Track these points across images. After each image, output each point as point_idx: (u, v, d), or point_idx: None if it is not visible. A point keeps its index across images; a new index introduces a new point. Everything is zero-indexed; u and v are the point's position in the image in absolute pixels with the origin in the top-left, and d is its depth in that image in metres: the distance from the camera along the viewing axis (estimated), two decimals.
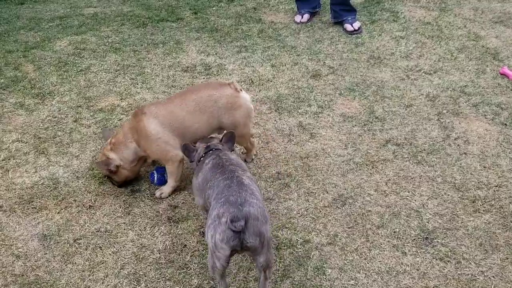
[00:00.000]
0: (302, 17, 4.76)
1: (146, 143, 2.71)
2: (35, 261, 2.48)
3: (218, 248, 1.96)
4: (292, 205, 2.77)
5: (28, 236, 2.61)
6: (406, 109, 3.53)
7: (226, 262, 2.01)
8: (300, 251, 2.49)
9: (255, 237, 1.96)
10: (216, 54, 4.30)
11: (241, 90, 2.79)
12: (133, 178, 2.92)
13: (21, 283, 2.37)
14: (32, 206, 2.80)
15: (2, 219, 2.72)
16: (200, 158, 2.41)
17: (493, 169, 3.00)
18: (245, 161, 3.03)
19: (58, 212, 2.76)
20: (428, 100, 3.62)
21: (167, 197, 2.84)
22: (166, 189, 2.86)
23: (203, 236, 2.59)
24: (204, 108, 2.71)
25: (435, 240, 2.56)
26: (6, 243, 2.58)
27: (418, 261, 2.46)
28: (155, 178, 2.93)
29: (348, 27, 4.53)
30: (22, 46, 4.51)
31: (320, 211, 2.72)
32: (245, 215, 1.93)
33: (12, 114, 3.57)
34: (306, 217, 2.69)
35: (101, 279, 2.39)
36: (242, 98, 2.78)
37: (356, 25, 4.53)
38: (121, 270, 2.42)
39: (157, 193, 2.85)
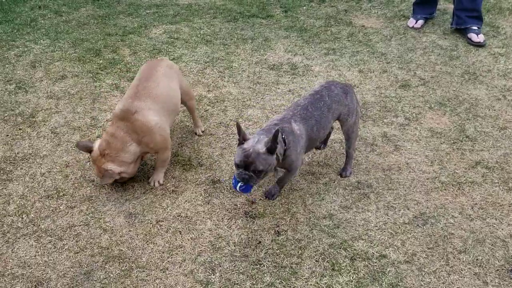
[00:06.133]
0: (416, 22, 4.62)
1: (150, 137, 2.75)
2: (120, 237, 2.63)
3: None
4: (370, 217, 2.73)
5: (116, 212, 2.77)
6: (500, 131, 3.34)
7: None
8: (376, 266, 2.45)
9: None
10: (303, 54, 4.30)
11: None
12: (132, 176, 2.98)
13: (106, 256, 2.52)
14: (120, 184, 2.97)
15: (93, 193, 2.91)
16: (283, 139, 2.52)
17: None
18: (196, 133, 3.39)
19: (144, 193, 2.90)
20: None
21: (162, 184, 2.96)
22: (158, 177, 2.96)
23: (278, 235, 2.62)
24: (171, 76, 2.98)
25: None
26: (96, 216, 2.76)
27: None
28: (238, 184, 2.53)
29: (474, 37, 4.28)
30: (120, 30, 4.78)
31: (400, 227, 2.66)
32: None
33: (108, 95, 3.80)
34: (384, 231, 2.64)
35: (179, 262, 2.49)
36: None
37: (482, 37, 4.28)
38: (198, 257, 2.51)
39: (152, 183, 2.95)
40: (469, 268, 2.45)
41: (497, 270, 2.44)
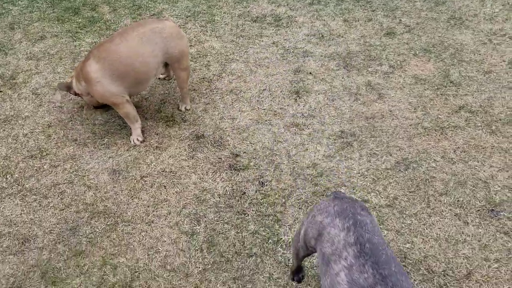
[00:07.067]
0: None
1: (89, 86, 2.77)
2: (105, 193, 2.64)
3: None
4: (353, 164, 2.74)
5: (99, 170, 2.78)
6: (484, 75, 3.32)
7: None
8: None
9: None
10: (287, 5, 4.20)
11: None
12: (101, 105, 3.08)
13: (91, 211, 2.54)
14: (103, 142, 2.96)
15: (76, 151, 2.90)
16: None
17: None
18: (178, 109, 3.17)
19: (127, 150, 2.90)
20: (510, 67, 3.38)
21: (143, 140, 2.94)
22: (135, 135, 2.94)
23: (262, 186, 2.64)
24: (148, 40, 2.75)
25: (501, 213, 2.46)
26: (79, 174, 2.76)
27: (480, 232, 2.38)
28: None
29: None
30: None
31: (382, 173, 2.68)
32: None
33: None
34: (367, 177, 2.66)
35: (164, 215, 2.51)
36: (181, 30, 2.93)
37: None
38: (183, 209, 2.54)
39: (132, 141, 2.94)
40: (450, 210, 2.49)
41: (478, 210, 2.48)
